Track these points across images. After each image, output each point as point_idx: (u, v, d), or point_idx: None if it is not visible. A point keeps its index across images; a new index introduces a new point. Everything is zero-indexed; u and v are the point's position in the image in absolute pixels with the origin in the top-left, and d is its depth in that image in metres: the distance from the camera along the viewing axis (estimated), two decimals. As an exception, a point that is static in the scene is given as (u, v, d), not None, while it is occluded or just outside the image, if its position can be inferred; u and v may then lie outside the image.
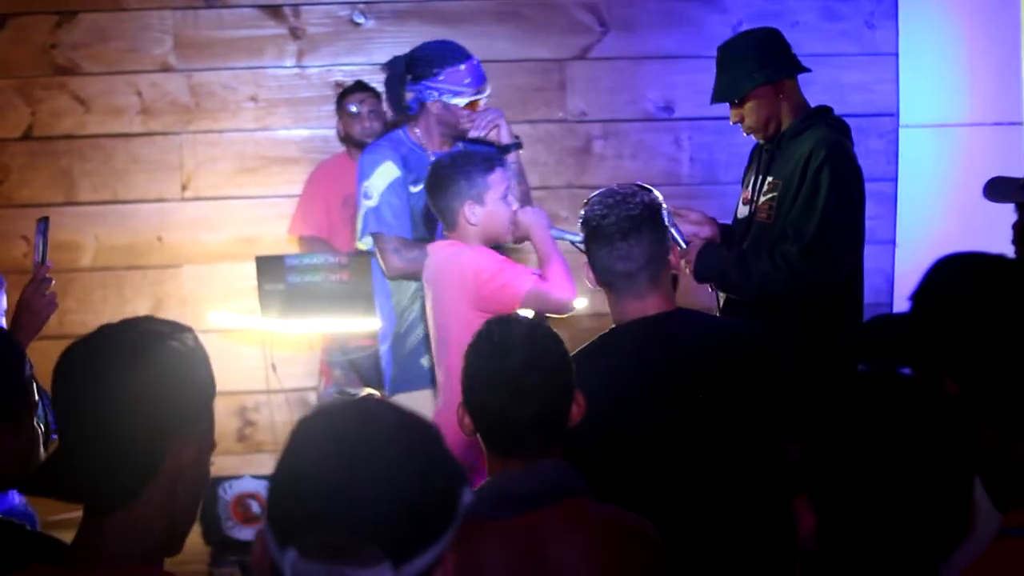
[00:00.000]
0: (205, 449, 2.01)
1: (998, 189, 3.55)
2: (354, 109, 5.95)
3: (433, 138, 4.71)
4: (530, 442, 2.58)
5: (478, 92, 4.63)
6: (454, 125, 4.66)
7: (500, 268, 4.04)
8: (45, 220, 3.48)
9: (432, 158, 4.63)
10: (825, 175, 4.14)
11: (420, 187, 4.67)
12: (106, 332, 1.99)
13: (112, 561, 1.92)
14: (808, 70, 4.41)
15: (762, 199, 4.31)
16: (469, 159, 4.21)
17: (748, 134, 4.39)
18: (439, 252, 4.19)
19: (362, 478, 1.47)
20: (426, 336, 4.62)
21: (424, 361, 4.66)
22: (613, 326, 3.21)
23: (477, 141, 4.68)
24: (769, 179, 4.30)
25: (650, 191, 3.26)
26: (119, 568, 1.92)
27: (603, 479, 2.95)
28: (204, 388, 2.01)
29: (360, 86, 5.98)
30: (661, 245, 3.18)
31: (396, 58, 4.76)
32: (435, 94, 4.62)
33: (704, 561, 3.02)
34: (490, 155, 4.28)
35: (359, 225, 4.75)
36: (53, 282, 3.52)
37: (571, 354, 3.15)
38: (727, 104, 4.39)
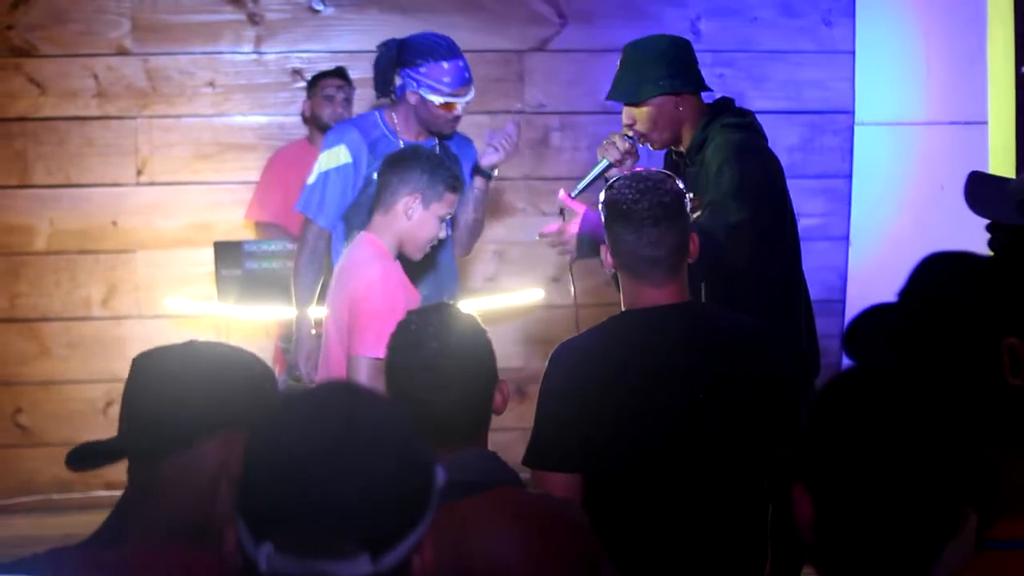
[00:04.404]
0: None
1: (981, 195, 3.19)
2: (331, 93, 5.93)
3: (409, 128, 4.65)
4: (453, 431, 2.57)
5: (454, 94, 4.54)
6: (428, 121, 4.60)
7: (378, 313, 3.86)
8: None
9: (402, 145, 4.61)
10: (725, 167, 4.00)
11: None
12: (193, 348, 2.03)
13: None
14: (710, 89, 4.33)
15: (692, 217, 4.24)
16: (443, 164, 4.16)
17: (636, 138, 4.24)
18: (359, 248, 4.12)
19: (338, 470, 1.45)
20: None
21: None
22: (623, 310, 3.20)
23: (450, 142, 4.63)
24: (690, 195, 4.25)
25: (676, 180, 3.24)
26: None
27: (605, 458, 3.02)
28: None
29: (340, 73, 5.97)
30: (685, 236, 3.17)
31: (391, 40, 4.68)
32: (414, 84, 4.55)
33: (689, 546, 3.06)
34: (460, 179, 4.22)
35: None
36: None
37: (581, 333, 3.19)
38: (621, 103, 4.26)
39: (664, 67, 4.18)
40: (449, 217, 4.19)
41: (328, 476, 1.45)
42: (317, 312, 4.75)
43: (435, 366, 2.61)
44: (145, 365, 1.99)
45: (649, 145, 4.26)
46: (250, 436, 1.53)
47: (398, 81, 4.62)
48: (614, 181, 3.23)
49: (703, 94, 4.29)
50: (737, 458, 3.08)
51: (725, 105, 4.26)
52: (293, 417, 1.52)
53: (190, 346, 2.00)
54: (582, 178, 4.25)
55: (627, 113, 4.24)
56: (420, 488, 1.51)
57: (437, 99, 4.54)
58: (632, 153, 4.25)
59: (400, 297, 3.93)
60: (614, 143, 4.23)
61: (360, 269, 4.02)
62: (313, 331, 4.66)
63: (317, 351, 4.50)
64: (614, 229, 3.16)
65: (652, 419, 3.04)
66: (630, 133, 4.24)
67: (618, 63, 4.27)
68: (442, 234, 4.16)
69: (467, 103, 4.60)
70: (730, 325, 3.28)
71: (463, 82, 4.56)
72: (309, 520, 1.44)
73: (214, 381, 1.94)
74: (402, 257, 4.19)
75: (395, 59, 4.59)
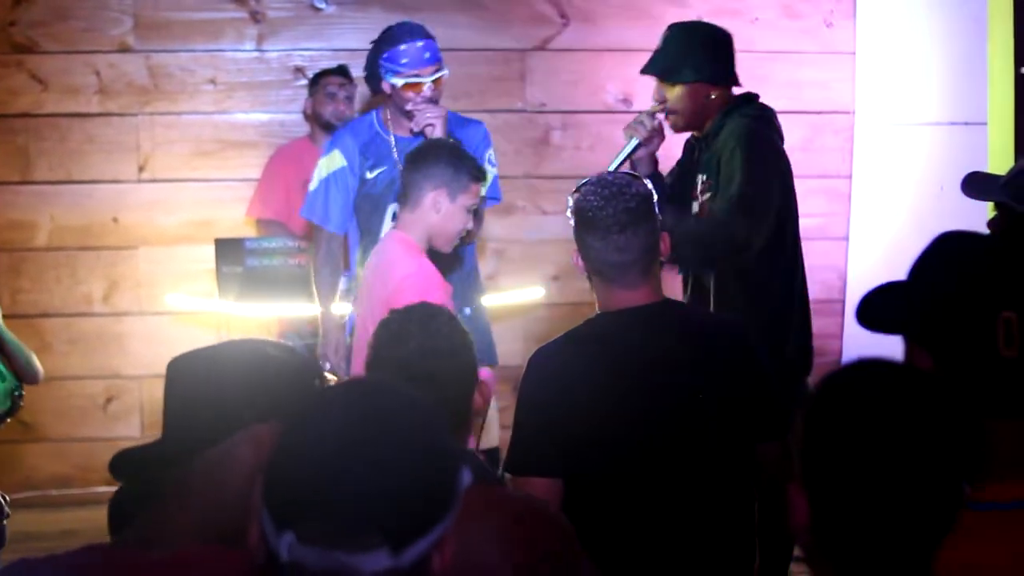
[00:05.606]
0: None
1: (977, 185, 3.55)
2: (333, 91, 5.94)
3: (399, 122, 4.66)
4: None
5: (415, 75, 4.53)
6: (402, 109, 4.60)
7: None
8: None
9: (392, 142, 4.63)
10: (737, 154, 4.09)
11: (378, 172, 4.66)
12: (228, 347, 2.06)
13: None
14: (741, 85, 4.39)
15: (701, 199, 4.30)
16: (465, 155, 4.14)
17: (664, 115, 4.33)
18: (391, 246, 4.12)
19: (362, 463, 1.46)
20: None
21: None
22: (598, 312, 3.19)
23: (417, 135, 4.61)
24: (702, 177, 4.29)
25: (643, 181, 3.22)
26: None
27: (586, 461, 3.00)
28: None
29: (342, 71, 5.98)
30: (654, 236, 3.15)
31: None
32: (382, 72, 4.59)
33: (677, 546, 3.05)
34: (482, 169, 4.18)
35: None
36: None
37: (556, 338, 3.17)
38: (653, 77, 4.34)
39: (707, 55, 4.28)
40: (473, 210, 4.17)
41: (351, 467, 1.46)
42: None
43: (411, 364, 2.66)
44: (179, 368, 2.00)
45: (671, 126, 4.31)
46: (282, 429, 1.54)
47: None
48: (580, 186, 3.22)
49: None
50: (720, 455, 3.07)
51: (748, 99, 4.34)
52: (322, 409, 1.54)
53: (223, 346, 2.02)
54: (586, 178, 4.27)
55: (658, 89, 4.31)
56: (444, 485, 1.51)
57: (399, 81, 4.54)
58: (659, 132, 4.32)
59: (435, 291, 3.93)
60: (642, 122, 4.32)
61: (396, 267, 4.02)
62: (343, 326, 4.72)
63: (344, 344, 4.60)
64: (582, 236, 3.15)
65: (630, 420, 3.03)
66: (659, 109, 4.31)
67: (660, 39, 4.33)
68: (470, 224, 4.16)
69: (432, 83, 4.55)
70: (704, 321, 3.30)
71: (422, 62, 4.54)
72: (330, 510, 1.45)
73: (249, 380, 1.96)
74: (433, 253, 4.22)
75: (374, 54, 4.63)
